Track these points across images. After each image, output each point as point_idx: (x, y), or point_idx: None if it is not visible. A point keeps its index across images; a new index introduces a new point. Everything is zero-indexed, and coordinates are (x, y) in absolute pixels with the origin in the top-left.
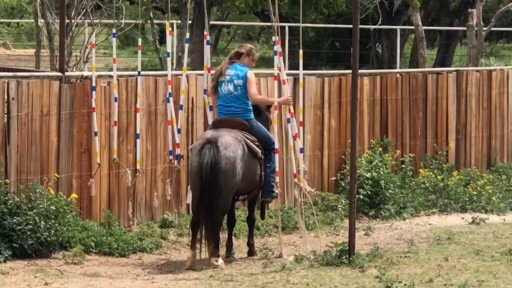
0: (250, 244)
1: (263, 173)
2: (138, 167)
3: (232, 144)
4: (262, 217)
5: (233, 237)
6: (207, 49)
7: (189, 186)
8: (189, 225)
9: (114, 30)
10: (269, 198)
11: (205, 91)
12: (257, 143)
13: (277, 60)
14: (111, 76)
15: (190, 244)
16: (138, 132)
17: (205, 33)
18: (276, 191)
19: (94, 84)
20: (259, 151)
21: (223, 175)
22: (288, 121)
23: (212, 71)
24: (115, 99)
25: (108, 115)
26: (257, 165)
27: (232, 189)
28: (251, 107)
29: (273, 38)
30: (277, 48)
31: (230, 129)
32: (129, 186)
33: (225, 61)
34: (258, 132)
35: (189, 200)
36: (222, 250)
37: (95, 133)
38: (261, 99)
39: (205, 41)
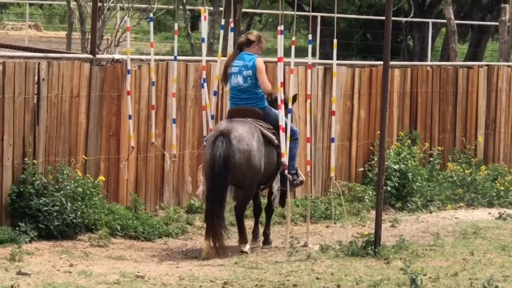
0: (266, 234)
1: (279, 162)
2: (174, 151)
3: (246, 136)
4: (282, 205)
5: (259, 225)
6: (230, 36)
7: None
8: (204, 215)
9: (151, 14)
10: (292, 186)
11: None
12: (272, 130)
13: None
14: (141, 60)
15: (205, 234)
16: (174, 117)
17: (230, 20)
18: (301, 178)
19: (129, 68)
20: (274, 138)
21: (238, 168)
22: (290, 111)
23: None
24: (152, 83)
25: (138, 98)
26: (274, 153)
27: (253, 181)
28: (263, 95)
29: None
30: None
31: (245, 118)
32: (167, 169)
33: (233, 51)
34: (274, 120)
35: (199, 191)
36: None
37: (129, 116)
38: (272, 90)
39: (229, 28)
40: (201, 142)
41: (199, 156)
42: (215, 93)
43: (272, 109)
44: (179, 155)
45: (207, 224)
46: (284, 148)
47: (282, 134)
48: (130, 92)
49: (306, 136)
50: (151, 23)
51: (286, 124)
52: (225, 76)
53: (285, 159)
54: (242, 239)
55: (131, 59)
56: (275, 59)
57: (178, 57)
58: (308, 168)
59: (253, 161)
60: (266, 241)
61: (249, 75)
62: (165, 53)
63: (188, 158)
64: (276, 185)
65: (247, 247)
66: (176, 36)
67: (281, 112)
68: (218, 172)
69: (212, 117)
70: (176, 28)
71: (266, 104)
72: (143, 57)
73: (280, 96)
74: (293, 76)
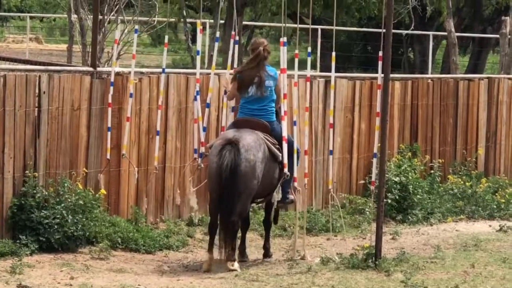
0: (266, 248)
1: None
2: (155, 164)
3: (253, 146)
4: (275, 221)
5: (244, 240)
6: (234, 49)
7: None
8: (208, 227)
9: (136, 26)
10: (281, 204)
11: (225, 92)
12: (277, 146)
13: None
14: (142, 73)
15: (208, 246)
16: (158, 129)
17: (233, 33)
18: (291, 197)
19: (112, 80)
20: (280, 154)
21: (242, 178)
22: (295, 123)
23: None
24: (130, 95)
25: (138, 111)
26: (276, 169)
27: (251, 193)
28: (274, 109)
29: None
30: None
31: (252, 130)
32: (148, 182)
33: (258, 59)
34: (279, 135)
35: (192, 203)
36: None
37: (109, 129)
38: None
39: (232, 41)
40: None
41: (192, 168)
42: (208, 105)
43: (279, 124)
44: (180, 168)
45: (210, 236)
46: (286, 159)
47: (284, 145)
48: (127, 105)
49: (305, 148)
50: (136, 35)
51: (290, 140)
52: (243, 86)
53: (286, 170)
54: (232, 255)
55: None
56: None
57: (178, 70)
58: (306, 180)
59: (256, 173)
60: (266, 255)
61: (270, 86)
62: (166, 66)
63: (189, 171)
64: (277, 197)
65: (235, 265)
66: (165, 49)
67: (284, 124)
68: (225, 183)
69: (204, 129)
70: (166, 40)
71: (274, 118)
72: (143, 69)
73: (284, 108)
74: (296, 89)
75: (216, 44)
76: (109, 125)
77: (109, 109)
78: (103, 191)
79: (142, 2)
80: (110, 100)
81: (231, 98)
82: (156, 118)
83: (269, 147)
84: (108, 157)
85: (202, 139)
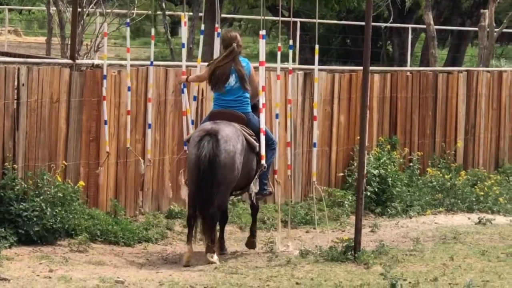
0: (252, 231)
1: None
2: (148, 156)
3: (232, 138)
4: (254, 212)
5: (225, 232)
6: (217, 41)
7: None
8: (186, 219)
9: (128, 20)
10: (259, 196)
11: (184, 86)
12: (254, 137)
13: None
14: (121, 65)
15: (187, 239)
16: (150, 122)
17: (216, 25)
18: (270, 189)
19: (105, 73)
20: (257, 145)
21: (222, 169)
22: (277, 116)
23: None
24: (128, 88)
25: (118, 104)
26: (254, 160)
27: (230, 185)
28: (248, 100)
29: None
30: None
31: (229, 121)
32: (142, 174)
33: (232, 55)
34: (256, 126)
35: (183, 195)
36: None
37: (105, 122)
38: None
39: (215, 33)
40: (181, 147)
41: (179, 161)
42: (195, 98)
43: (255, 116)
44: (158, 161)
45: (189, 228)
46: (264, 151)
47: (262, 137)
48: (106, 97)
49: (286, 141)
50: (128, 28)
51: (268, 132)
52: (220, 82)
53: (263, 162)
54: (211, 247)
55: (111, 65)
56: (255, 64)
57: (158, 63)
58: (289, 172)
59: (236, 164)
60: (251, 240)
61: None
62: (144, 59)
63: (167, 164)
64: (254, 189)
65: (215, 257)
66: (153, 42)
67: (262, 117)
68: (203, 174)
69: (192, 122)
70: (153, 33)
71: (250, 109)
72: (122, 62)
73: (262, 100)
74: (278, 82)
75: (201, 37)
76: (106, 118)
77: (104, 102)
78: (81, 183)
79: None
80: (104, 93)
81: (203, 80)
82: (136, 111)
83: (247, 139)
84: (108, 150)
85: (191, 131)
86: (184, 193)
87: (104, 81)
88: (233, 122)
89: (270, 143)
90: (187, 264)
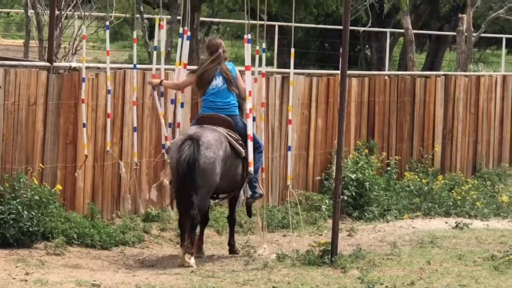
0: (231, 245)
1: (245, 173)
2: (135, 160)
3: (214, 144)
4: (249, 215)
5: (202, 235)
6: (185, 44)
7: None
8: (177, 223)
9: (107, 22)
10: (251, 199)
11: (154, 89)
12: (240, 142)
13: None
14: (98, 68)
15: (180, 242)
16: (135, 125)
17: (185, 28)
18: (260, 191)
19: (84, 76)
20: (243, 151)
21: (201, 173)
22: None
23: (189, 67)
24: (109, 92)
25: (95, 106)
26: (239, 165)
27: (209, 189)
28: (236, 103)
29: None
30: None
31: (215, 126)
32: (124, 177)
33: (219, 60)
34: (243, 131)
35: (153, 196)
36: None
37: (83, 125)
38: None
39: (185, 36)
40: (158, 150)
41: (156, 165)
42: (173, 101)
43: (242, 119)
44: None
45: (181, 230)
46: (252, 157)
47: (250, 143)
48: (85, 100)
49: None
50: (107, 31)
51: (253, 135)
52: (205, 83)
53: (251, 168)
54: (189, 249)
55: (89, 68)
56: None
57: (141, 66)
58: (264, 175)
59: (216, 170)
60: (232, 252)
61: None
62: (122, 62)
63: (145, 167)
64: (243, 195)
65: (192, 260)
66: (135, 45)
67: (249, 122)
68: (182, 177)
69: (170, 125)
70: (135, 36)
71: (237, 112)
72: (100, 65)
73: (249, 105)
74: (256, 85)
75: (179, 40)
76: (84, 121)
77: (83, 105)
78: (58, 186)
79: None
80: (83, 96)
81: (181, 88)
82: (113, 114)
83: (232, 144)
84: (86, 153)
85: (167, 134)
86: (153, 194)
87: (83, 84)
88: (219, 127)
89: (257, 146)
90: (182, 265)
